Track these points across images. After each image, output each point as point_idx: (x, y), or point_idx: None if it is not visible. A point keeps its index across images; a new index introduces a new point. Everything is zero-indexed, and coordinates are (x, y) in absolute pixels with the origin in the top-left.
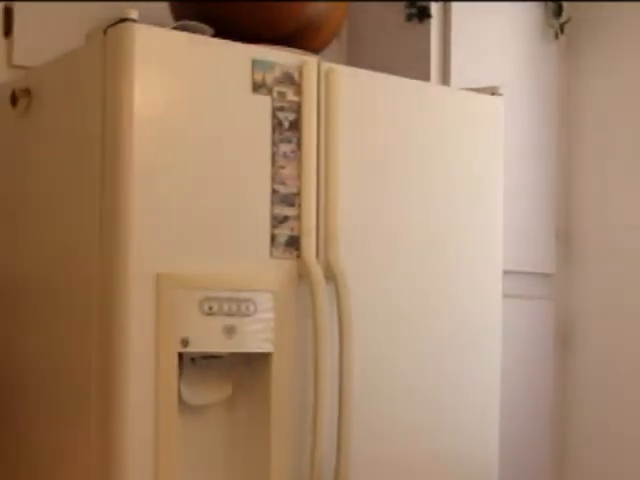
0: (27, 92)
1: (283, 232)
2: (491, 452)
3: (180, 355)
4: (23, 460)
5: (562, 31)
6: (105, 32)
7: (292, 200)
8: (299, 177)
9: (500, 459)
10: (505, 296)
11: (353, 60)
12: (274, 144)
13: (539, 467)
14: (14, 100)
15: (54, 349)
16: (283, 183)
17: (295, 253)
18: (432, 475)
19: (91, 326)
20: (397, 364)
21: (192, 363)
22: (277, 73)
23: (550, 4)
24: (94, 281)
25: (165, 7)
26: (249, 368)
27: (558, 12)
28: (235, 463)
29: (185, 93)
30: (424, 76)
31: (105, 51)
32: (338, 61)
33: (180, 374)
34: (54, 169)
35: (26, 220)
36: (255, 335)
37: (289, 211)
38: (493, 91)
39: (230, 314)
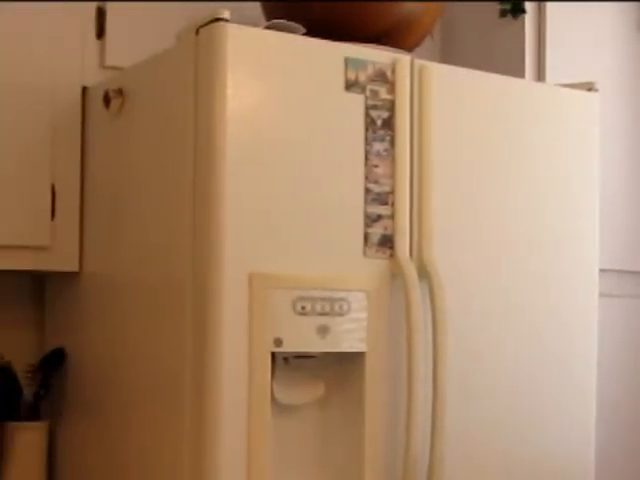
0: (120, 93)
1: (376, 231)
2: (587, 454)
3: (273, 355)
4: (115, 458)
5: None
6: (197, 32)
7: (385, 199)
8: (392, 176)
9: (597, 461)
10: (602, 295)
11: (446, 57)
12: (367, 143)
13: (637, 470)
14: (107, 101)
15: (149, 349)
16: (376, 182)
17: (388, 252)
18: (526, 475)
19: (185, 326)
20: (491, 363)
21: (285, 363)
22: (370, 71)
23: None
24: (188, 281)
25: (256, 7)
26: (342, 367)
27: None
28: (328, 463)
29: (277, 92)
30: (518, 73)
31: (197, 51)
32: (431, 58)
33: (273, 374)
34: (147, 169)
35: (121, 221)
36: (348, 334)
37: (382, 210)
38: (589, 87)
39: (323, 314)
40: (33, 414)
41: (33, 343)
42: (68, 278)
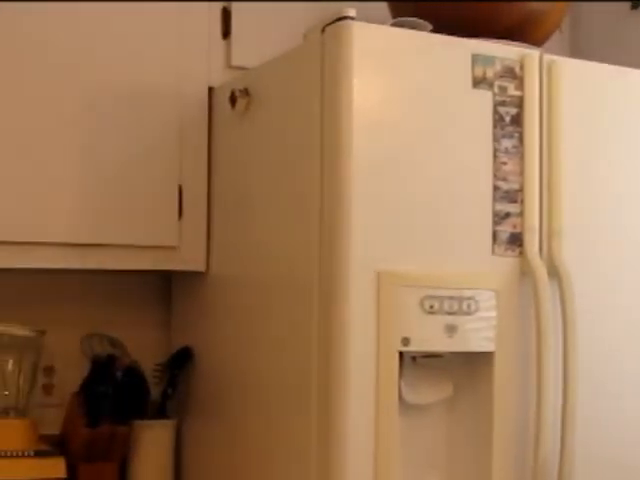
0: (246, 92)
1: (505, 229)
2: None
3: (400, 354)
4: (240, 458)
5: None
6: (323, 30)
7: (514, 196)
8: (521, 173)
9: None
10: None
11: (576, 52)
12: (495, 140)
13: None
14: (233, 101)
15: (275, 348)
16: (505, 179)
17: (517, 250)
18: None
19: (312, 325)
20: (623, 363)
21: (412, 362)
22: (498, 67)
23: None
24: (315, 280)
25: (382, 6)
26: (470, 367)
27: None
28: (456, 463)
29: (404, 89)
30: None
31: (323, 50)
32: (560, 53)
33: (400, 373)
34: (273, 169)
35: (247, 220)
36: (476, 334)
37: (511, 208)
38: None
39: (451, 313)
40: (160, 413)
41: (160, 343)
42: (195, 278)
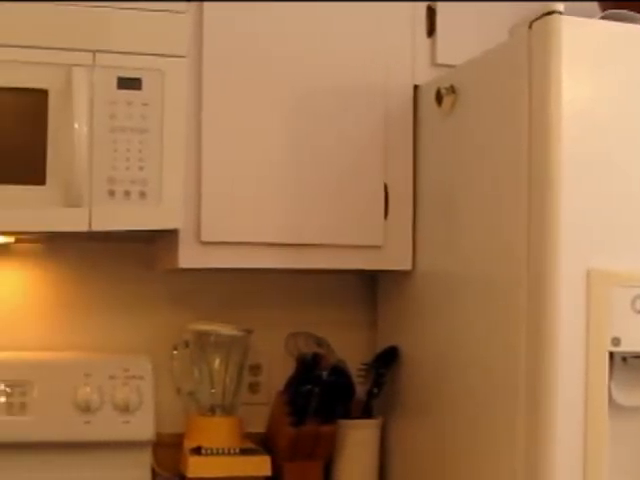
0: (452, 90)
1: None
2: None
3: (610, 354)
4: (446, 459)
5: None
6: (530, 26)
7: None
8: None
9: None
10: None
11: None
12: None
13: None
14: (439, 99)
15: (482, 348)
16: None
17: None
18: None
19: (519, 324)
20: None
21: (623, 363)
22: None
23: None
24: (523, 278)
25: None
26: None
27: None
28: None
29: (616, 85)
30: None
31: (530, 45)
32: None
33: (610, 374)
34: (480, 167)
35: (453, 219)
36: None
37: None
38: None
39: None
40: (365, 412)
41: (366, 342)
42: (400, 277)
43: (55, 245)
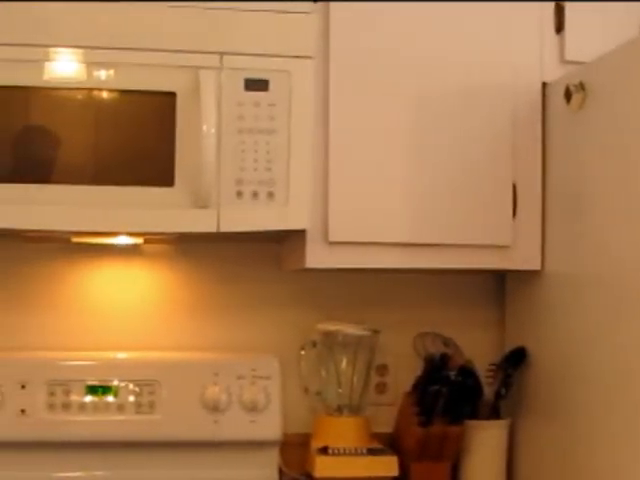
0: (581, 87)
1: None
2: None
3: None
4: (576, 461)
5: None
6: None
7: None
8: None
9: None
10: None
11: None
12: None
13: None
14: (568, 96)
15: (611, 349)
16: None
17: None
18: None
19: None
20: None
21: None
22: None
23: None
24: None
25: None
26: None
27: None
28: None
29: None
30: None
31: None
32: None
33: None
34: (610, 166)
35: (584, 218)
36: None
37: None
38: None
39: None
40: (493, 413)
41: (494, 342)
42: (529, 276)
43: (183, 246)
